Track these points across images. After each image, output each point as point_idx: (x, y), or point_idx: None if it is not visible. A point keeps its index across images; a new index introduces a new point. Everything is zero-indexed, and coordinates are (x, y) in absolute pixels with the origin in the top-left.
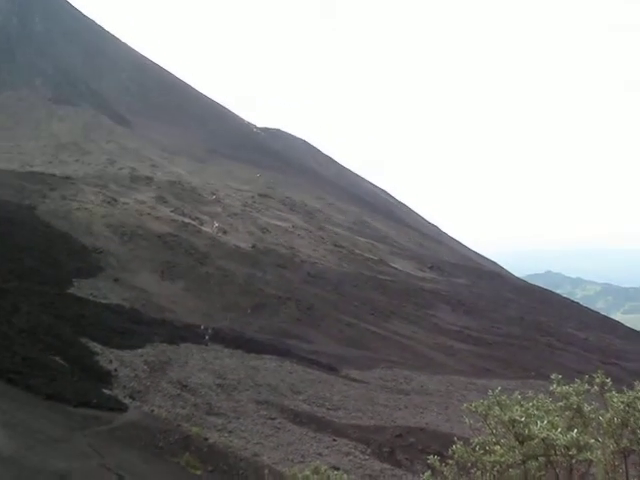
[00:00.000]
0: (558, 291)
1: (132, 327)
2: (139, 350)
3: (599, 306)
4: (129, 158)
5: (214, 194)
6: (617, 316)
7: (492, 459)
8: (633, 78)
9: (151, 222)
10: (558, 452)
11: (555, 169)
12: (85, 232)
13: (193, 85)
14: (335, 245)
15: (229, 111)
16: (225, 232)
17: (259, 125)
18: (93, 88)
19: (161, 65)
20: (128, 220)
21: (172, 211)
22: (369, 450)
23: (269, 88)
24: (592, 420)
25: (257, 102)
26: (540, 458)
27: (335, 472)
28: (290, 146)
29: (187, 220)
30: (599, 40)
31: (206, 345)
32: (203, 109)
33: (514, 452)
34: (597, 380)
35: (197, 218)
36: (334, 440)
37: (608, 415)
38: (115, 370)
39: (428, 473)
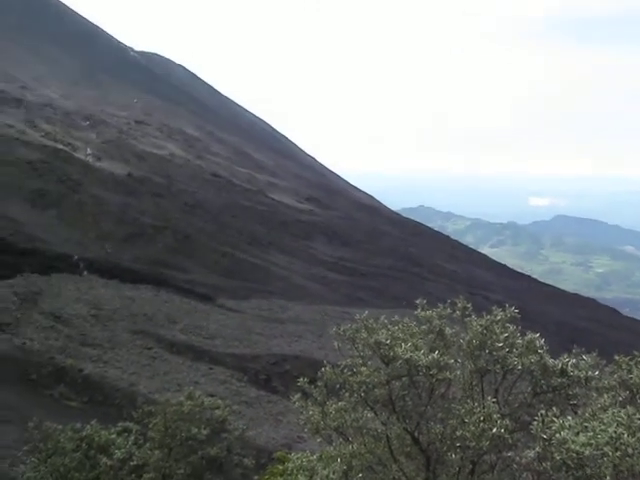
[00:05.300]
0: (430, 225)
1: (0, 257)
2: (9, 281)
3: (468, 240)
4: None
5: (88, 119)
6: (484, 250)
7: (358, 379)
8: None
9: (20, 147)
10: (420, 372)
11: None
12: None
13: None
14: (214, 175)
15: (105, 32)
16: (99, 159)
17: (137, 49)
18: None
19: None
20: None
21: (43, 136)
22: (245, 378)
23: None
24: (453, 342)
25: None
26: (404, 378)
27: (210, 398)
28: (169, 72)
29: (59, 146)
30: None
31: (80, 275)
32: (78, 29)
33: (379, 373)
34: (459, 305)
35: (70, 144)
36: (211, 369)
37: (467, 337)
38: None
39: (298, 395)
